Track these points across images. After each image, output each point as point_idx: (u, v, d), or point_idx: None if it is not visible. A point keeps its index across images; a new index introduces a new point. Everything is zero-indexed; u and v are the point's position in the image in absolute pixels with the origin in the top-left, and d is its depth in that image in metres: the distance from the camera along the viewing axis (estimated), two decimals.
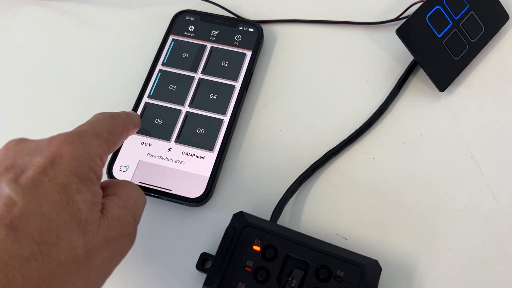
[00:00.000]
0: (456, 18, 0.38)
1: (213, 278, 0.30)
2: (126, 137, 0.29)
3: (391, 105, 0.38)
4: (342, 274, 0.29)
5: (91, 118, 0.27)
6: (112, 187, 0.26)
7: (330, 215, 0.35)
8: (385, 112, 0.38)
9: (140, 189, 0.27)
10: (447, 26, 0.38)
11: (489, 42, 0.40)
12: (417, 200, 0.35)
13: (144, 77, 0.40)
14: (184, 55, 0.41)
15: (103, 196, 0.24)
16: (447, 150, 0.36)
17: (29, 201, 0.20)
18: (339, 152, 0.37)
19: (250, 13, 0.43)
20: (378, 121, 0.38)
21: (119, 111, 0.30)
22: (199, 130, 0.37)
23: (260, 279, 0.29)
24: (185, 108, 0.38)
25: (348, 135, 0.37)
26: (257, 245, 0.30)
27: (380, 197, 0.35)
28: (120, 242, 0.23)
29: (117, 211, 0.24)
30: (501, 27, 0.40)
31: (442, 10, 0.38)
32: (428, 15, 0.37)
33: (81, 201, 0.22)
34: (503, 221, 0.34)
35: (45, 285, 0.19)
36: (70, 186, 0.22)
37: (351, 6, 0.43)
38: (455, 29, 0.38)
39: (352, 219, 0.34)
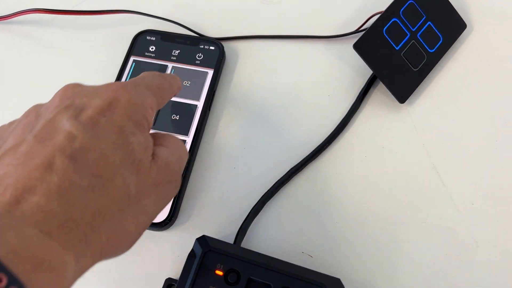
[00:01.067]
0: (414, 29, 0.39)
1: None
2: (171, 96, 0.29)
3: (353, 119, 0.39)
4: None
5: (141, 74, 0.28)
6: (160, 138, 0.26)
7: (295, 233, 0.35)
8: (347, 125, 0.38)
9: (184, 144, 0.27)
10: (404, 38, 0.38)
11: (448, 51, 0.40)
12: (380, 214, 0.35)
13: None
14: None
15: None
16: (409, 161, 0.37)
17: (88, 137, 0.21)
18: (302, 169, 0.37)
19: (212, 31, 0.43)
20: (341, 135, 0.38)
21: (164, 73, 0.30)
22: None
23: None
24: None
25: (311, 151, 0.37)
26: (219, 269, 0.30)
27: (344, 212, 0.35)
28: (167, 187, 0.24)
29: (166, 158, 0.24)
30: (458, 36, 0.41)
31: (399, 22, 0.38)
32: (385, 28, 0.38)
33: (135, 142, 0.22)
34: (465, 232, 0.34)
35: (99, 216, 0.20)
36: (126, 128, 0.22)
37: (311, 20, 0.43)
38: (413, 41, 0.39)
39: (317, 236, 0.34)
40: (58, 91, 0.24)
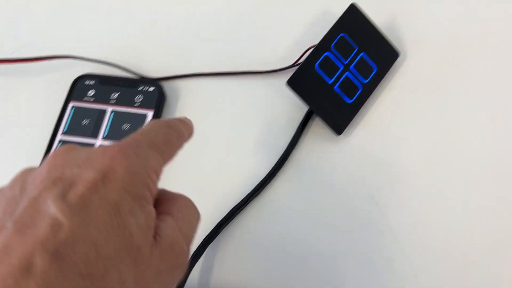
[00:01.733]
0: (346, 62, 0.40)
1: None
2: (182, 147, 0.26)
3: (293, 153, 0.39)
4: None
5: (146, 126, 0.24)
6: (165, 202, 0.23)
7: (238, 274, 0.35)
8: (288, 160, 0.39)
9: (195, 206, 0.24)
10: (337, 71, 0.39)
11: (382, 81, 0.41)
12: (322, 249, 0.35)
13: (44, 149, 0.39)
14: (85, 121, 0.40)
15: (156, 215, 0.21)
16: (349, 193, 0.37)
17: (77, 224, 0.18)
18: (244, 207, 0.37)
19: (152, 71, 0.43)
20: (281, 170, 0.38)
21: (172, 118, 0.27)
22: None
23: None
24: (98, 141, 0.38)
25: (252, 188, 0.37)
26: None
27: (287, 250, 0.35)
28: (172, 274, 0.21)
29: (171, 237, 0.21)
30: (392, 65, 0.42)
31: (331, 56, 0.39)
32: (317, 63, 0.38)
33: (133, 224, 0.19)
34: (404, 262, 0.34)
35: None
36: (123, 206, 0.19)
37: (250, 56, 0.44)
38: (346, 73, 0.39)
39: (261, 275, 0.34)
40: (49, 156, 0.21)
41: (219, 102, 0.42)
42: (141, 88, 0.42)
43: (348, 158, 0.39)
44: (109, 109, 0.41)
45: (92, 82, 0.42)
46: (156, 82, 0.42)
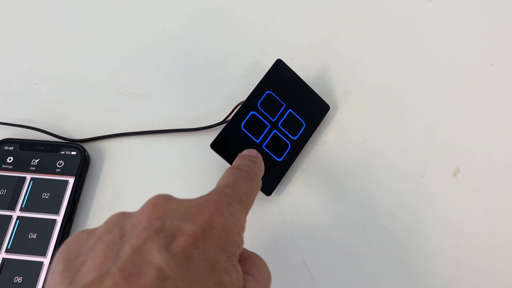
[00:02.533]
0: (274, 120, 0.39)
1: None
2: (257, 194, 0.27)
3: None
4: None
5: (230, 176, 0.26)
6: (246, 264, 0.23)
7: None
8: None
9: (268, 268, 0.24)
10: (265, 130, 0.38)
11: (313, 135, 0.40)
12: None
13: None
14: (1, 191, 0.38)
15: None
16: (280, 257, 0.36)
17: (180, 277, 0.18)
18: None
19: (76, 133, 0.42)
20: None
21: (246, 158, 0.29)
22: (16, 278, 0.35)
23: None
24: (1, 255, 0.35)
25: None
26: None
27: None
28: None
29: None
30: (322, 118, 0.41)
31: (258, 115, 0.38)
32: (243, 122, 0.37)
33: (228, 283, 0.20)
34: None
35: None
36: (219, 264, 0.20)
37: (180, 113, 0.42)
38: (274, 131, 0.38)
39: None
40: (147, 203, 0.21)
41: (147, 162, 0.40)
42: (63, 152, 0.40)
43: (279, 218, 0.37)
44: (29, 176, 0.39)
45: (11, 148, 0.40)
46: (78, 145, 0.40)
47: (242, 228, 0.23)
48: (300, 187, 0.39)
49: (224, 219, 0.21)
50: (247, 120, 0.38)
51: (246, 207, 0.24)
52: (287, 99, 0.39)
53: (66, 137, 0.41)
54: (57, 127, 0.42)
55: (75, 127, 0.42)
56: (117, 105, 0.43)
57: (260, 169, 0.29)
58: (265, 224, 0.37)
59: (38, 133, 0.41)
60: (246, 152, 0.31)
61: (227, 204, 0.22)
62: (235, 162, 0.29)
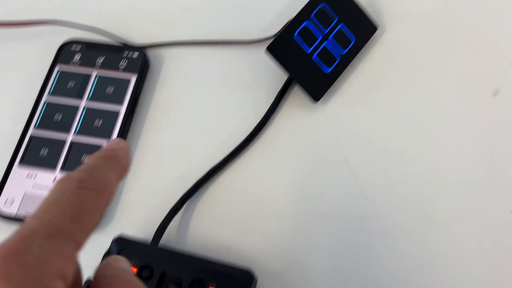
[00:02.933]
0: (326, 32, 0.41)
1: None
2: (110, 201, 0.20)
3: (271, 119, 0.40)
4: (215, 284, 0.30)
5: (50, 195, 0.18)
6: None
7: (215, 229, 0.36)
8: (266, 125, 0.40)
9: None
10: (316, 40, 0.40)
11: (360, 52, 0.42)
12: (296, 208, 0.37)
13: (30, 108, 0.41)
14: (70, 84, 0.41)
15: None
16: (323, 157, 0.39)
17: None
18: (222, 168, 0.38)
19: (136, 38, 0.44)
20: (259, 135, 0.40)
21: (95, 156, 0.21)
22: (84, 156, 0.38)
23: None
24: (70, 137, 0.39)
25: (230, 151, 0.39)
26: (133, 266, 0.31)
27: (262, 208, 0.37)
28: None
29: None
30: (370, 37, 0.43)
31: (311, 25, 0.40)
32: (297, 31, 0.40)
33: None
34: (374, 220, 0.36)
35: None
36: None
37: (233, 26, 0.45)
38: (325, 42, 0.41)
39: (236, 231, 0.36)
40: None
41: (201, 70, 0.43)
42: (125, 54, 0.43)
43: (324, 125, 0.40)
44: (94, 73, 0.42)
45: (78, 48, 0.43)
46: (140, 49, 0.43)
47: (54, 275, 0.16)
48: (345, 99, 0.41)
49: (9, 281, 0.15)
50: (300, 29, 0.40)
51: (71, 236, 0.17)
52: (340, 13, 0.41)
53: (128, 40, 0.44)
54: (120, 33, 0.45)
55: (136, 34, 0.45)
56: (176, 16, 0.46)
57: (115, 164, 0.21)
58: (311, 128, 0.40)
59: (102, 37, 0.44)
60: (106, 145, 0.22)
61: (21, 252, 0.16)
62: None
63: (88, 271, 0.34)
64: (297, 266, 0.34)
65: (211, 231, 0.36)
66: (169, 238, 0.36)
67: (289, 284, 0.34)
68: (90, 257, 0.34)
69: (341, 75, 0.41)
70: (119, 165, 0.22)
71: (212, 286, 0.30)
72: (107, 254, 0.32)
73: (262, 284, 0.33)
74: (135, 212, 0.37)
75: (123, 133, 0.39)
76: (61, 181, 0.19)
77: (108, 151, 0.22)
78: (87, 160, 0.21)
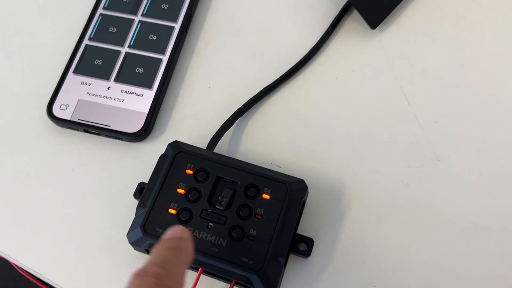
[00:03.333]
0: None
1: (146, 201, 0.31)
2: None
3: (325, 44, 0.40)
4: (269, 191, 0.31)
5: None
6: None
7: (265, 146, 0.36)
8: (320, 50, 0.40)
9: None
10: None
11: None
12: (347, 131, 0.36)
13: (85, 20, 0.41)
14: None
15: None
16: (378, 83, 0.38)
17: None
18: (275, 88, 0.38)
19: None
20: (313, 59, 0.39)
21: (165, 247, 0.23)
22: (138, 69, 0.38)
23: (191, 199, 0.31)
24: (124, 49, 0.39)
25: (284, 72, 0.38)
26: (189, 169, 0.32)
27: (313, 129, 0.37)
28: None
29: None
30: None
31: None
32: None
33: None
34: (427, 147, 0.36)
35: None
36: None
37: None
38: None
39: (286, 149, 0.36)
40: None
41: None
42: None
43: (380, 52, 0.39)
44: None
45: None
46: None
47: None
48: (403, 28, 0.40)
49: None
50: None
51: None
52: None
53: None
54: None
55: None
56: None
57: (184, 258, 0.23)
58: (367, 55, 0.39)
59: None
60: (168, 233, 0.25)
61: None
62: (150, 256, 0.23)
63: (139, 174, 0.35)
64: (346, 187, 0.34)
65: (261, 149, 0.36)
66: (219, 150, 0.36)
67: (336, 205, 0.34)
68: (143, 164, 0.34)
69: (400, 3, 0.40)
70: (187, 258, 0.24)
71: (266, 193, 0.31)
72: (163, 156, 0.32)
73: (309, 202, 0.33)
74: (186, 126, 0.37)
75: (177, 49, 0.39)
76: (138, 276, 0.21)
77: (176, 242, 0.24)
78: (157, 250, 0.23)
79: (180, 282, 0.22)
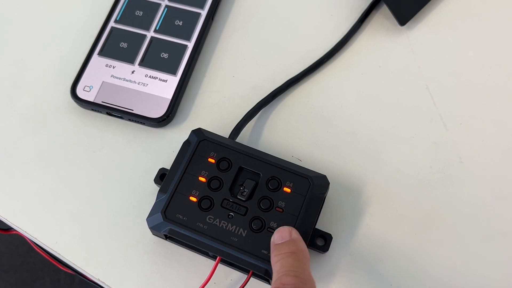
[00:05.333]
0: None
1: (167, 186, 0.31)
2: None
3: (352, 38, 0.39)
4: (291, 185, 0.30)
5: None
6: None
7: (287, 138, 0.36)
8: (346, 44, 0.39)
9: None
10: None
11: None
12: (370, 127, 0.36)
13: (111, 3, 0.40)
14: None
15: None
16: (404, 81, 0.38)
17: None
18: (299, 81, 0.38)
19: None
20: (339, 53, 0.39)
21: (288, 254, 0.26)
22: (163, 54, 0.38)
23: (213, 187, 0.31)
24: (150, 33, 0.39)
25: (309, 65, 0.38)
26: (212, 157, 0.32)
27: (336, 124, 0.36)
28: None
29: None
30: None
31: None
32: None
33: None
34: (451, 148, 0.35)
35: None
36: None
37: None
38: None
39: (308, 142, 0.36)
40: None
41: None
42: None
43: (408, 49, 0.39)
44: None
45: None
46: None
47: None
48: (431, 26, 0.40)
49: None
50: None
51: None
52: None
53: None
54: None
55: None
56: None
57: (305, 259, 0.26)
58: (394, 52, 0.39)
59: None
60: (277, 237, 0.28)
61: None
62: (273, 268, 0.26)
63: (160, 159, 0.35)
64: (366, 184, 0.34)
65: (283, 141, 0.36)
66: (241, 140, 0.36)
67: (356, 201, 0.34)
68: (164, 150, 0.34)
69: (431, 1, 0.40)
70: (308, 258, 0.26)
71: (288, 186, 0.31)
72: (187, 143, 0.32)
73: (329, 197, 0.33)
74: (208, 114, 0.37)
75: (202, 36, 0.39)
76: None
77: (293, 246, 0.27)
78: (281, 259, 0.26)
79: (313, 283, 0.25)
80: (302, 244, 0.27)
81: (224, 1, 0.41)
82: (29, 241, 0.36)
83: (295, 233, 0.27)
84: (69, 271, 0.46)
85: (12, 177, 0.35)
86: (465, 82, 0.37)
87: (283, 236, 0.27)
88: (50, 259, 0.43)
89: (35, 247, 0.41)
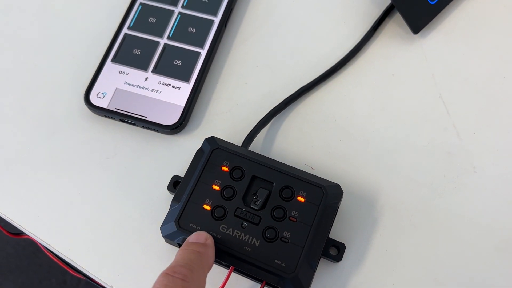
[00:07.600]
0: None
1: (181, 195, 0.31)
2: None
3: (365, 46, 0.39)
4: (304, 194, 0.30)
5: None
6: None
7: (299, 146, 0.36)
8: (359, 52, 0.39)
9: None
10: None
11: None
12: (384, 136, 0.36)
13: (124, 9, 0.41)
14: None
15: None
16: (417, 90, 0.38)
17: None
18: (312, 88, 0.38)
19: None
20: (352, 60, 0.39)
21: (190, 251, 0.26)
22: (176, 61, 0.38)
23: (226, 196, 0.31)
24: (163, 40, 0.39)
25: (322, 73, 0.38)
26: (225, 166, 0.32)
27: (349, 132, 0.36)
28: None
29: None
30: None
31: None
32: None
33: None
34: (464, 158, 0.35)
35: None
36: None
37: None
38: None
39: (320, 151, 0.36)
40: None
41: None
42: None
43: (421, 58, 0.39)
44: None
45: None
46: None
47: None
48: (445, 34, 0.40)
49: None
50: None
51: None
52: None
53: None
54: None
55: None
56: None
57: (207, 264, 0.26)
58: (407, 60, 0.39)
59: None
60: (193, 237, 0.28)
61: None
62: (174, 259, 0.26)
63: (173, 167, 0.35)
64: (380, 193, 0.34)
65: (295, 149, 0.36)
66: (254, 148, 0.36)
67: (369, 210, 0.33)
68: (177, 157, 0.34)
69: (444, 9, 0.40)
70: (209, 265, 0.27)
71: (301, 196, 0.31)
72: (200, 151, 0.32)
73: (342, 206, 0.33)
74: (221, 122, 0.37)
75: (215, 43, 0.39)
76: (167, 275, 0.24)
77: (201, 247, 0.27)
78: (184, 253, 0.26)
79: (203, 285, 0.25)
80: (211, 252, 0.27)
81: (237, 9, 0.41)
82: (39, 244, 0.36)
83: (210, 241, 0.28)
84: (77, 274, 0.47)
85: (25, 182, 0.35)
86: (479, 91, 0.37)
87: (199, 238, 0.28)
88: (57, 261, 0.44)
89: (43, 249, 0.42)
